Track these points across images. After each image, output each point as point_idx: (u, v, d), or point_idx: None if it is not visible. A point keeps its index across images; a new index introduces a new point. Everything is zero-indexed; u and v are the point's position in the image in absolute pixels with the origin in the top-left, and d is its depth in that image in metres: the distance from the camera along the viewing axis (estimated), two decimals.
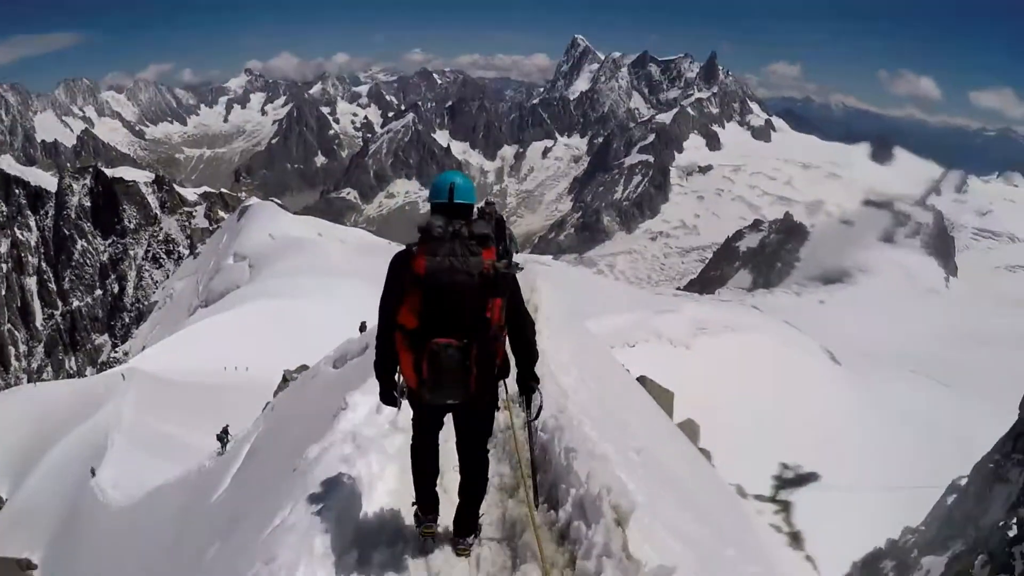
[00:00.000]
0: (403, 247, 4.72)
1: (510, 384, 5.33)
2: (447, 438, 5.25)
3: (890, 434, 56.37)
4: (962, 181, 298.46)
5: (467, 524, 5.25)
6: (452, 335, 4.44)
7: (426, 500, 5.29)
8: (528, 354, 5.00)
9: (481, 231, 4.58)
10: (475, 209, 4.93)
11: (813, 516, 32.38)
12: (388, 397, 5.02)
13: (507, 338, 4.85)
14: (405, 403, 5.03)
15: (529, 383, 5.11)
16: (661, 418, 17.62)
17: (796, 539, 22.59)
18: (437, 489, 5.34)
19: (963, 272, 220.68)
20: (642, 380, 26.03)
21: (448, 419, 5.16)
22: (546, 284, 15.93)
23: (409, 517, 5.55)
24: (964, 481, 31.66)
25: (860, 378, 76.00)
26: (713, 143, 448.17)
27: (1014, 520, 18.86)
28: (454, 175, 4.86)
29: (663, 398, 26.85)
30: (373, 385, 5.44)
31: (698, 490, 10.08)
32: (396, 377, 4.90)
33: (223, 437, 30.02)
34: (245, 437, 23.69)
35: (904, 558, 29.86)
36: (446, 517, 5.40)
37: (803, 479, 42.37)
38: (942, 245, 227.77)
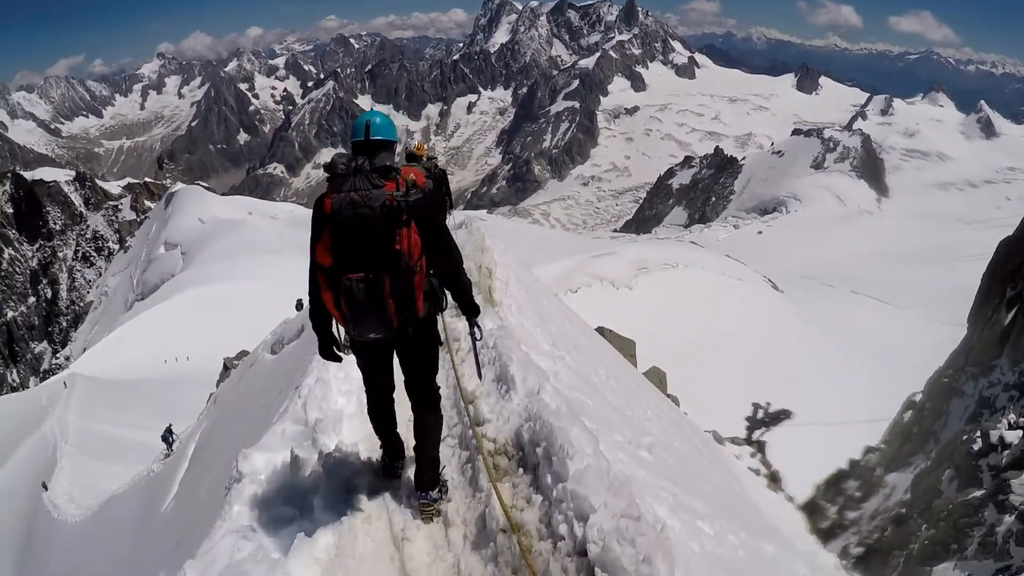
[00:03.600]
0: None
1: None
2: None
3: (843, 357, 57.07)
4: (887, 104, 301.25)
5: (426, 474, 5.11)
6: (362, 269, 4.37)
7: (389, 445, 5.43)
8: (455, 283, 4.90)
9: (383, 163, 4.51)
10: (395, 145, 4.79)
11: (786, 454, 32.63)
12: (327, 352, 4.95)
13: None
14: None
15: (469, 318, 5.13)
16: (635, 377, 17.26)
17: (775, 479, 22.77)
18: (399, 434, 5.44)
19: (894, 193, 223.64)
20: (601, 331, 25.78)
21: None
22: (495, 243, 15.07)
23: None
24: (919, 397, 32.07)
25: (804, 304, 77.01)
26: (638, 84, 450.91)
27: (977, 433, 18.97)
28: (373, 114, 4.74)
29: (625, 347, 26.63)
30: (273, 440, 5.78)
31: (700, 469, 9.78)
32: (335, 330, 4.86)
33: (168, 437, 29.54)
34: (190, 435, 23.21)
35: (868, 476, 30.10)
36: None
37: (774, 417, 42.77)
38: (872, 168, 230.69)
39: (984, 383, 26.09)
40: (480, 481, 5.22)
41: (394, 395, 5.24)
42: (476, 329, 5.18)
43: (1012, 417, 18.24)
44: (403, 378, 5.13)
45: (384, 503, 5.18)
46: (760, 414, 29.49)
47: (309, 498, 5.04)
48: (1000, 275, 28.94)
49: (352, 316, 4.44)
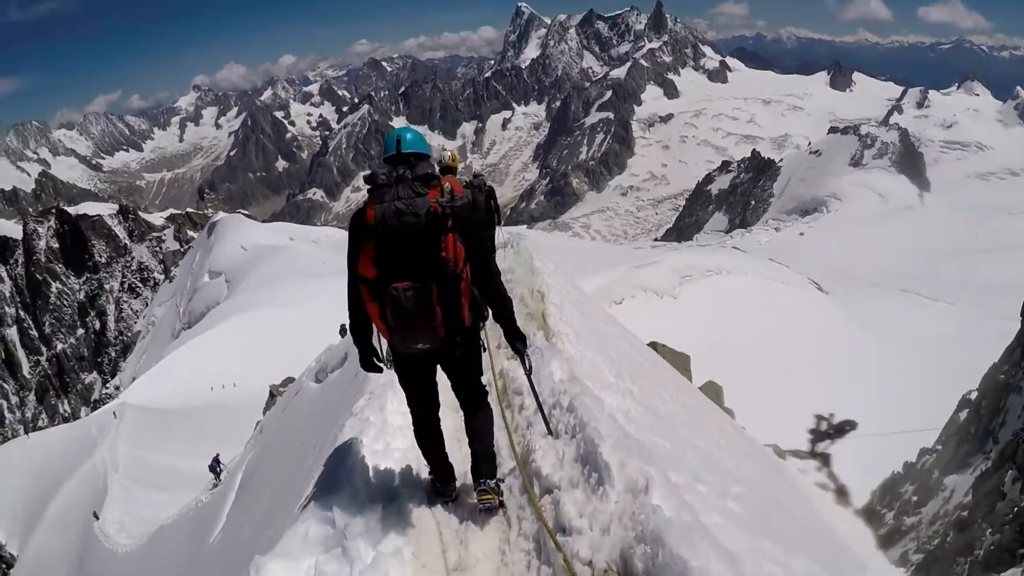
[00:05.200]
0: None
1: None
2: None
3: (897, 358, 56.38)
4: (923, 97, 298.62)
5: (483, 464, 5.07)
6: (409, 278, 4.36)
7: (439, 469, 5.28)
8: (498, 300, 4.90)
9: (424, 171, 4.51)
10: (430, 161, 4.73)
11: (852, 465, 31.87)
12: (369, 363, 4.95)
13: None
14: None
15: (514, 343, 5.04)
16: (697, 397, 16.60)
17: (842, 494, 22.07)
18: (448, 456, 5.30)
19: (936, 186, 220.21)
20: (654, 346, 25.30)
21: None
22: (545, 262, 14.39)
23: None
24: (974, 395, 31.22)
25: (852, 305, 76.21)
26: (671, 91, 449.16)
27: None
28: (403, 130, 4.75)
29: (679, 362, 26.13)
30: (293, 544, 4.57)
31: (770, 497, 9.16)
32: (376, 342, 4.84)
33: (215, 467, 29.55)
34: (237, 465, 23.13)
35: (925, 480, 29.47)
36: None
37: (839, 429, 41.90)
38: (912, 162, 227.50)
39: None
40: None
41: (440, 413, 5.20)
42: (528, 362, 5.12)
43: None
44: (449, 385, 5.09)
45: (436, 518, 5.05)
46: (824, 426, 28.73)
47: None
48: None
49: (400, 326, 4.40)
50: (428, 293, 4.34)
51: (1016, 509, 16.31)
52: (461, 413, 5.24)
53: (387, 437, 6.37)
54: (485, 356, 5.28)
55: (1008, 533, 15.64)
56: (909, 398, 45.97)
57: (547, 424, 5.59)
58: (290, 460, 10.43)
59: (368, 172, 4.53)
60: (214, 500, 22.28)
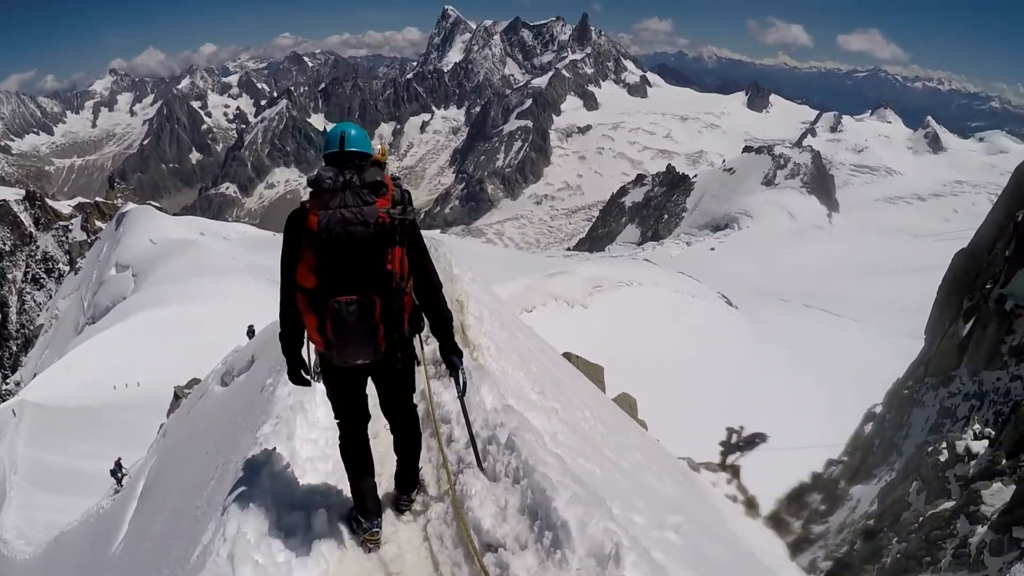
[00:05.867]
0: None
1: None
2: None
3: (803, 371, 57.57)
4: (836, 121, 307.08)
5: (407, 479, 5.08)
6: (353, 291, 4.14)
7: (363, 496, 4.87)
8: (438, 313, 4.70)
9: (373, 178, 4.29)
10: (371, 159, 4.55)
11: (760, 476, 32.68)
12: (297, 376, 4.71)
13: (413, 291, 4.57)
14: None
15: (451, 357, 4.83)
16: (614, 413, 16.89)
17: (751, 505, 22.69)
18: (377, 484, 4.99)
19: (844, 207, 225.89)
20: (568, 356, 25.65)
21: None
22: (465, 270, 14.03)
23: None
24: (879, 409, 32.43)
25: (760, 319, 77.59)
26: (590, 103, 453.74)
27: (943, 444, 19.13)
28: (347, 125, 4.51)
29: (593, 373, 26.53)
30: None
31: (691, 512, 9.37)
32: (305, 354, 4.63)
33: (116, 472, 28.94)
34: (140, 470, 22.70)
35: (831, 489, 30.37)
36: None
37: (749, 441, 43.02)
38: (822, 183, 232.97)
39: (944, 393, 26.40)
40: None
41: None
42: (462, 380, 4.90)
43: (977, 427, 18.46)
44: (379, 400, 4.96)
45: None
46: (734, 438, 29.48)
47: None
48: (957, 286, 29.41)
49: (339, 341, 4.20)
50: (372, 307, 4.16)
51: (921, 519, 16.94)
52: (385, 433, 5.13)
53: (295, 470, 5.60)
54: (419, 370, 5.04)
55: (914, 541, 16.19)
56: (816, 411, 46.95)
57: (480, 462, 5.23)
58: (192, 470, 10.29)
59: (313, 175, 4.25)
60: (115, 507, 21.73)
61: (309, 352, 4.63)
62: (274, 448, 5.79)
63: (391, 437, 5.19)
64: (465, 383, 4.95)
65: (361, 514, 4.87)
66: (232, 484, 5.30)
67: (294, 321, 4.43)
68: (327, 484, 5.51)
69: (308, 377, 4.71)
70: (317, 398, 6.61)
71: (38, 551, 27.11)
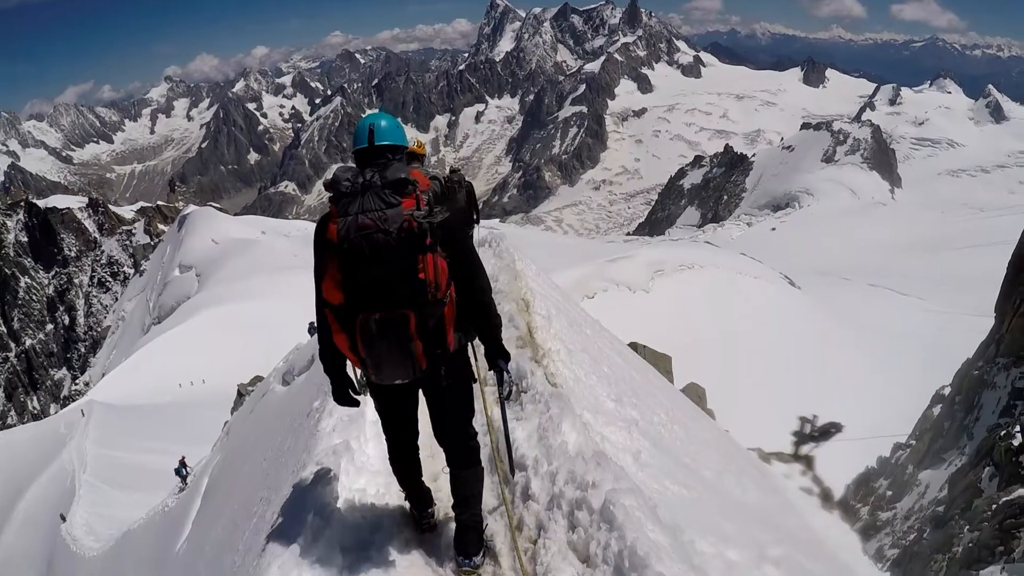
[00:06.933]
0: None
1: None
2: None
3: (870, 353, 56.55)
4: (895, 94, 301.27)
5: (466, 537, 4.24)
6: (382, 305, 3.62)
7: (414, 496, 4.61)
8: (484, 319, 4.09)
9: (396, 176, 3.67)
10: (405, 152, 4.01)
11: (838, 468, 31.86)
12: (341, 395, 4.22)
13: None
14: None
15: (495, 360, 4.23)
16: (688, 410, 16.05)
17: (827, 498, 21.97)
18: (425, 483, 4.63)
19: (907, 182, 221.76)
20: (635, 347, 24.90)
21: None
22: (528, 264, 12.96)
23: None
24: (947, 391, 31.28)
25: (823, 299, 76.40)
26: (644, 86, 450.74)
27: (1016, 428, 18.27)
28: (376, 116, 3.94)
29: (661, 363, 25.70)
30: None
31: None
32: (350, 371, 4.12)
33: (181, 471, 29.06)
34: (204, 468, 22.72)
35: (899, 475, 29.45)
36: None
37: (824, 431, 42.05)
38: (883, 158, 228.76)
39: (1016, 374, 25.31)
40: None
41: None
42: (507, 384, 4.37)
43: None
44: (431, 425, 4.36)
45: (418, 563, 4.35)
46: (808, 428, 28.56)
47: None
48: None
49: (372, 360, 3.73)
50: (405, 323, 3.64)
51: (995, 506, 16.22)
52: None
53: (359, 463, 5.36)
54: (475, 388, 4.39)
55: (987, 530, 15.53)
56: (889, 396, 45.98)
57: (510, 460, 4.85)
58: (253, 474, 10.06)
59: (330, 177, 3.74)
60: (180, 505, 21.82)
61: (354, 370, 4.13)
62: (335, 444, 5.51)
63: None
64: (510, 388, 4.44)
65: (414, 507, 4.66)
66: (290, 493, 5.17)
67: (329, 339, 3.94)
68: (369, 539, 4.67)
69: (356, 397, 4.25)
70: (367, 430, 5.98)
71: (106, 548, 27.38)
